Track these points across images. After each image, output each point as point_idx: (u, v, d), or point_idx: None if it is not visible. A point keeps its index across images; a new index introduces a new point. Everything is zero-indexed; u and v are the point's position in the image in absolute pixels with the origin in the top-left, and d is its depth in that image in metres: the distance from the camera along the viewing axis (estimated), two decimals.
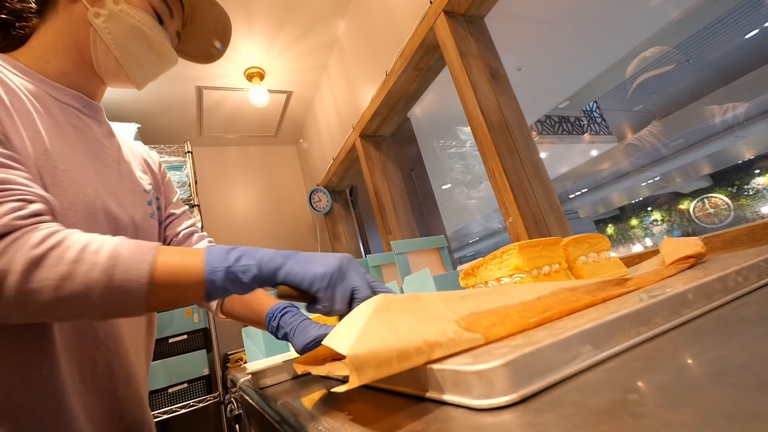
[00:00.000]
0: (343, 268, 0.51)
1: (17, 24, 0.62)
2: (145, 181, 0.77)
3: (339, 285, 0.50)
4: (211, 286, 0.48)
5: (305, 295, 0.51)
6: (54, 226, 0.46)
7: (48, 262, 0.42)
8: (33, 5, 0.62)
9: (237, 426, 1.93)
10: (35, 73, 0.61)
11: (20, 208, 0.44)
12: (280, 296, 0.51)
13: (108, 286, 0.44)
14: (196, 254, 0.49)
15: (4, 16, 0.61)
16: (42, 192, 0.49)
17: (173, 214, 0.85)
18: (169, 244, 0.83)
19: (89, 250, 0.44)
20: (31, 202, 0.46)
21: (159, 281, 0.46)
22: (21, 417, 0.51)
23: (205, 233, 0.90)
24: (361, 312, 0.38)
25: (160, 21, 0.68)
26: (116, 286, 0.44)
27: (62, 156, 0.57)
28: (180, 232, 0.85)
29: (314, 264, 0.50)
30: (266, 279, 0.50)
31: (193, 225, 0.88)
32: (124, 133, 0.78)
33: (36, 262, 0.42)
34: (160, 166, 0.86)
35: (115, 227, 0.63)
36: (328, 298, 0.49)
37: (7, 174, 0.46)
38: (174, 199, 0.87)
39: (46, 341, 0.54)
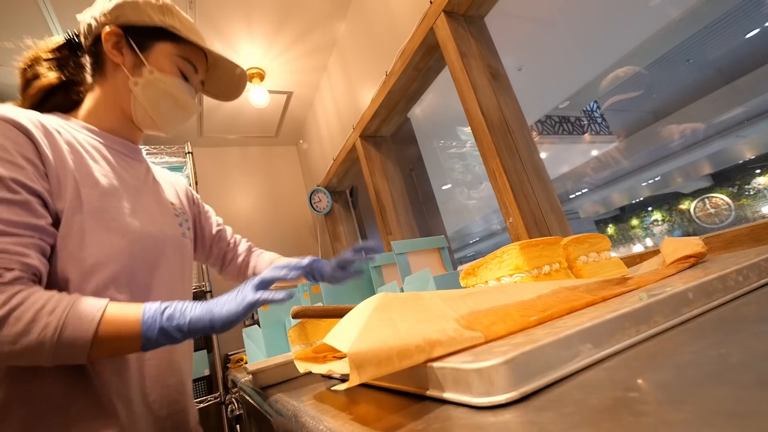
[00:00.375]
0: (247, 289, 0.62)
1: (75, 88, 0.80)
2: (177, 206, 0.92)
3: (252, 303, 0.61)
4: (146, 342, 0.57)
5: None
6: (18, 287, 0.54)
7: (9, 321, 0.51)
8: (88, 74, 0.80)
9: (238, 426, 1.94)
10: (92, 128, 0.78)
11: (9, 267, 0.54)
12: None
13: (58, 342, 0.53)
14: (134, 313, 0.58)
15: (64, 77, 0.78)
16: (32, 261, 0.57)
17: (220, 229, 1.07)
18: (225, 254, 1.07)
19: (45, 311, 0.53)
20: (10, 269, 0.54)
21: (101, 340, 0.55)
22: (80, 401, 0.63)
23: (241, 236, 1.12)
24: (361, 310, 0.38)
25: (186, 77, 0.83)
26: (64, 343, 0.53)
27: (115, 195, 0.72)
28: (230, 241, 1.08)
29: (228, 304, 0.61)
30: (200, 332, 0.60)
31: (232, 234, 1.10)
32: (155, 167, 0.95)
33: None
34: (187, 191, 1.02)
35: (155, 246, 0.77)
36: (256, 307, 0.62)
37: (21, 242, 0.56)
38: (214, 217, 1.07)
39: None
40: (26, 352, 0.52)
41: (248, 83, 2.76)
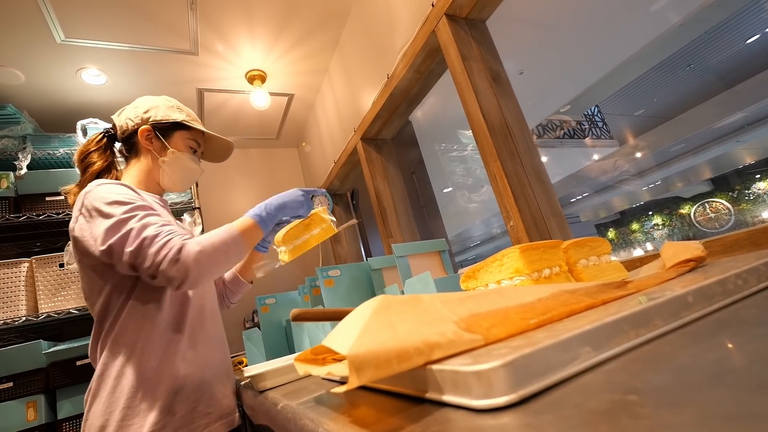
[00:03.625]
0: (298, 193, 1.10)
1: (113, 168, 1.14)
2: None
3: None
4: (260, 222, 1.01)
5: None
6: (195, 240, 0.92)
7: (206, 251, 0.89)
8: (120, 156, 1.19)
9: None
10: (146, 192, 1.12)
11: (184, 236, 0.89)
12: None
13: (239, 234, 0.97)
14: (247, 216, 1.01)
15: (107, 161, 1.13)
16: (186, 233, 0.94)
17: None
18: None
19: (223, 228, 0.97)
20: (183, 236, 0.89)
21: (242, 233, 0.97)
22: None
23: None
24: (360, 313, 0.38)
25: (195, 151, 1.19)
26: (244, 231, 0.98)
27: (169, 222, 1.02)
28: None
29: (285, 198, 1.07)
30: (274, 217, 1.04)
31: None
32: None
33: (199, 253, 0.87)
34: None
35: None
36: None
37: (170, 227, 0.91)
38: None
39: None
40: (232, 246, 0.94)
41: (249, 85, 2.79)
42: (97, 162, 1.10)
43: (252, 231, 0.97)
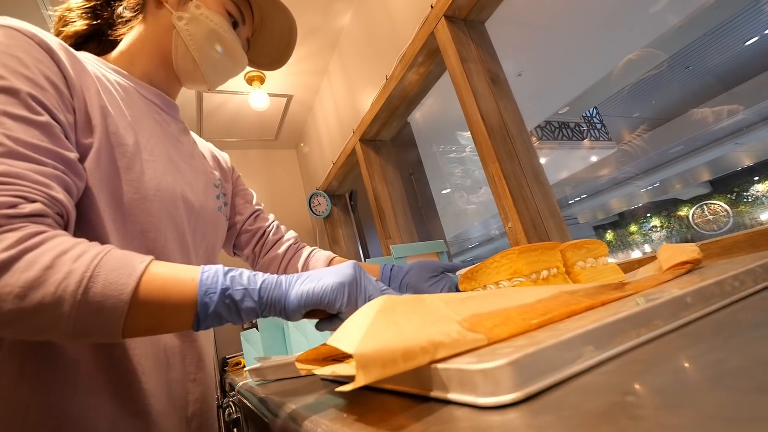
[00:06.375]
0: (357, 276, 0.48)
1: (109, 32, 0.70)
2: (216, 176, 0.80)
3: (359, 295, 0.48)
4: (202, 310, 0.42)
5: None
6: (41, 227, 0.40)
7: (18, 266, 0.37)
8: (127, 14, 0.69)
9: (235, 430, 1.93)
10: (123, 71, 0.66)
11: (13, 205, 0.39)
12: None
13: (83, 300, 0.38)
14: (189, 272, 0.44)
15: (95, 23, 0.70)
16: (59, 195, 0.44)
17: (257, 214, 0.91)
18: (257, 244, 0.88)
19: (69, 256, 0.39)
20: (32, 201, 0.41)
21: (142, 303, 0.40)
22: (102, 394, 0.52)
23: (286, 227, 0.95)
24: (365, 312, 0.38)
25: (234, 25, 0.73)
26: (92, 303, 0.38)
27: (146, 147, 0.61)
28: (267, 230, 0.90)
29: (326, 276, 0.46)
30: (271, 306, 0.45)
31: (274, 222, 0.94)
32: (194, 134, 0.85)
33: (4, 265, 0.36)
34: (227, 163, 0.92)
35: (191, 214, 0.67)
36: (353, 306, 0.47)
37: (17, 168, 0.41)
38: (253, 199, 0.94)
39: None
40: (37, 314, 0.37)
41: (248, 86, 2.79)
42: (74, 23, 0.68)
43: (168, 309, 0.42)
